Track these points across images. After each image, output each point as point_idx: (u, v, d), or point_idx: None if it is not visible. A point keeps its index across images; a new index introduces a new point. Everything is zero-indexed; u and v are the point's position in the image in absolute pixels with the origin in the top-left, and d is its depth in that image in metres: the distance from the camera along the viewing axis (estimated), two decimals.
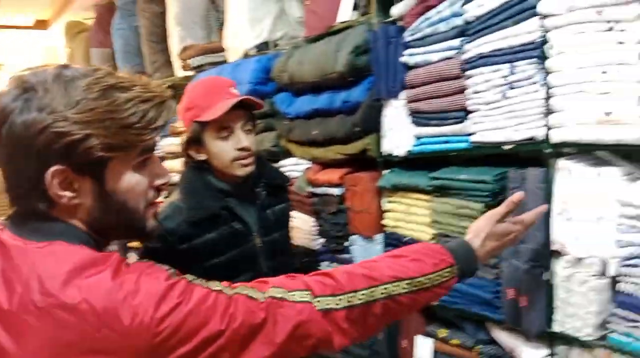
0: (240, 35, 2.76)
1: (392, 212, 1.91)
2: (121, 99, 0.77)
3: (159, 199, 0.90)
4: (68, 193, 0.77)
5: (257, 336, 0.80)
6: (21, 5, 5.37)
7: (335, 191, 2.08)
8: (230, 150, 1.38)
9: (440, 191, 1.65)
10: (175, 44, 3.51)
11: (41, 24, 6.26)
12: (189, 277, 0.82)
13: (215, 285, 0.82)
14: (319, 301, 0.87)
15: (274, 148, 2.44)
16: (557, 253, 1.37)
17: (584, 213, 1.29)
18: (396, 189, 1.85)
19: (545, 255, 1.40)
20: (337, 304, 0.88)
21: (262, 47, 2.61)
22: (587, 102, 1.24)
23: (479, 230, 1.13)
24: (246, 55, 2.71)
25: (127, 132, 0.77)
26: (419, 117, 1.72)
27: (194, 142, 1.40)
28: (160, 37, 3.82)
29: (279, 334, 0.82)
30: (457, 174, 1.57)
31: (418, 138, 1.75)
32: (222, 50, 3.05)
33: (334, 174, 2.08)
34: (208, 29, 3.57)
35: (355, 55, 1.85)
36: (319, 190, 2.17)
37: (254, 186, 1.47)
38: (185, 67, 3.33)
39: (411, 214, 1.81)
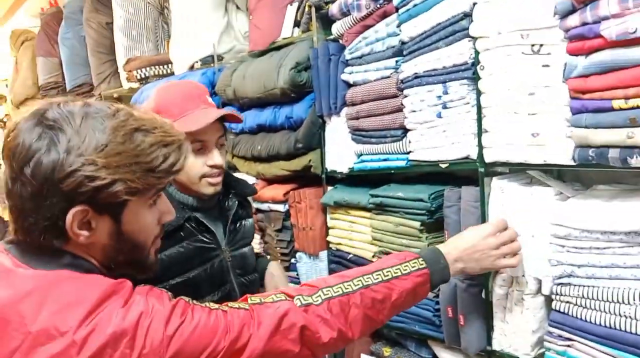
0: (186, 48, 2.71)
1: (335, 229, 1.90)
2: (145, 144, 0.79)
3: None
4: (85, 233, 0.78)
5: (249, 340, 0.85)
6: None
7: (280, 207, 2.06)
8: (200, 166, 1.24)
9: (380, 209, 1.64)
10: (121, 56, 3.42)
11: None
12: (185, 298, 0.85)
13: (211, 305, 0.87)
14: (297, 299, 0.93)
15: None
16: (494, 273, 1.38)
17: (518, 232, 1.31)
18: (339, 206, 1.84)
19: (481, 273, 1.40)
20: (314, 300, 0.94)
21: (208, 60, 2.57)
22: (517, 123, 1.26)
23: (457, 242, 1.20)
24: (192, 68, 2.66)
25: (150, 175, 0.79)
26: (359, 135, 1.71)
27: None
28: (107, 48, 3.72)
29: (266, 330, 0.86)
30: (395, 191, 1.57)
31: (359, 155, 1.75)
32: (168, 62, 2.99)
33: (278, 190, 2.05)
34: (156, 41, 3.50)
35: (297, 72, 1.84)
36: (263, 206, 2.14)
37: (222, 200, 1.36)
38: (130, 79, 3.24)
39: (354, 231, 1.80)
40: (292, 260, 2.08)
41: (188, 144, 0.89)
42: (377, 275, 1.02)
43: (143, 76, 3.09)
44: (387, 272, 1.03)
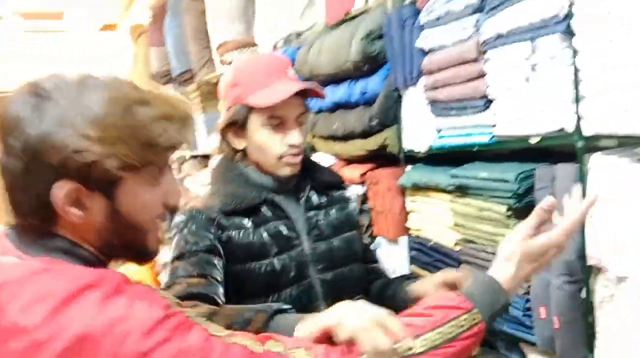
0: (270, 28, 2.66)
1: (415, 213, 1.73)
2: (146, 117, 0.70)
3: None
4: (76, 211, 0.70)
5: None
6: (90, 11, 5.63)
7: (358, 189, 1.93)
8: (278, 144, 1.13)
9: (461, 191, 1.45)
10: (214, 40, 3.48)
11: (109, 27, 6.53)
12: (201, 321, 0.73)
13: (215, 329, 0.72)
14: None
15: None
16: (596, 269, 1.15)
17: (625, 221, 1.06)
18: (418, 188, 1.67)
19: (580, 269, 1.17)
20: None
21: (291, 38, 2.49)
22: (625, 86, 1.00)
23: (510, 254, 0.90)
24: (275, 48, 2.60)
25: (148, 151, 0.71)
26: (438, 107, 1.52)
27: (235, 125, 1.16)
28: (205, 34, 3.82)
29: None
30: (478, 171, 1.37)
31: (438, 131, 1.56)
32: (254, 44, 2.97)
33: (355, 171, 1.93)
34: (247, 24, 3.50)
35: (369, 41, 1.68)
36: None
37: (298, 185, 1.22)
38: (222, 63, 3.28)
39: (435, 216, 1.62)
40: (372, 246, 1.95)
41: (194, 120, 0.78)
42: (421, 340, 0.79)
43: (232, 60, 3.11)
44: (429, 338, 0.80)
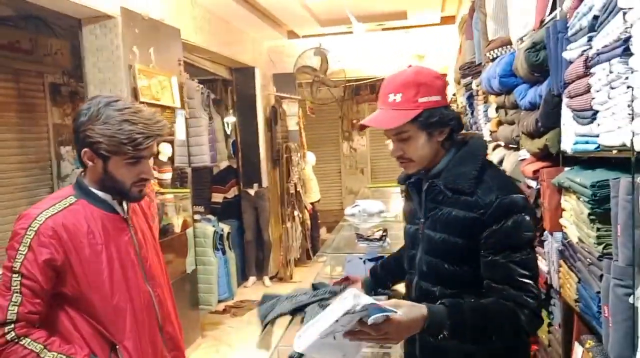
0: (513, 27, 2.86)
1: (565, 211, 1.84)
2: (126, 129, 1.42)
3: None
4: (90, 164, 1.48)
5: None
6: (430, 5, 6.40)
7: (533, 184, 2.11)
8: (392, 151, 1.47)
9: (574, 193, 1.57)
10: (486, 37, 3.77)
11: (448, 20, 7.19)
12: None
13: None
14: None
15: (517, 138, 2.54)
16: None
17: None
18: (564, 188, 1.79)
19: (630, 274, 1.25)
20: None
21: (523, 38, 2.66)
22: None
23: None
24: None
25: (122, 146, 1.43)
26: (573, 115, 1.64)
27: None
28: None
29: None
30: (575, 175, 1.50)
31: (576, 136, 1.67)
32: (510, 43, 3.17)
33: (531, 167, 2.10)
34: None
35: (532, 52, 1.86)
36: (527, 181, 2.22)
37: (424, 179, 1.46)
38: (485, 61, 3.57)
39: (569, 215, 1.74)
40: (542, 238, 2.10)
41: (158, 137, 1.49)
42: None
43: (493, 56, 3.37)
44: None
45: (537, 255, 1.88)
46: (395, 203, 5.60)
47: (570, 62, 1.65)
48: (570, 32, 1.63)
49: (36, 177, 4.34)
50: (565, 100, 1.72)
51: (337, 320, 1.06)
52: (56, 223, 1.41)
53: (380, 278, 1.85)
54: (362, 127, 1.47)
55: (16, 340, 1.35)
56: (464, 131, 1.50)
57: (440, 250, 1.42)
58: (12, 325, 1.35)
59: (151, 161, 1.53)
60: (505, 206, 1.31)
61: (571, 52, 1.62)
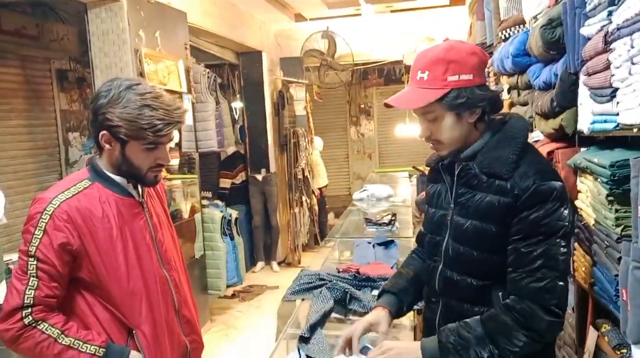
0: (526, 5, 2.79)
1: (581, 193, 1.80)
2: (146, 114, 1.37)
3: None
4: (108, 147, 1.44)
5: None
6: None
7: None
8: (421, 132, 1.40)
9: (591, 174, 1.53)
10: (498, 17, 3.70)
11: (457, 1, 7.06)
12: None
13: None
14: None
15: (530, 119, 2.48)
16: None
17: None
18: (580, 169, 1.75)
19: None
20: None
21: (538, 16, 2.60)
22: None
23: None
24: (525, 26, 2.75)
25: (141, 131, 1.39)
26: (590, 93, 1.59)
27: None
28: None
29: None
30: (592, 155, 1.45)
31: (593, 115, 1.62)
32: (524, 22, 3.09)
33: (546, 148, 2.06)
34: None
35: (548, 29, 1.80)
36: None
37: (457, 161, 1.38)
38: (497, 41, 3.51)
39: (585, 196, 1.70)
40: None
41: (178, 124, 1.44)
42: None
43: (506, 36, 3.30)
44: None
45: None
46: (403, 188, 5.57)
47: (588, 39, 1.60)
48: (588, 7, 1.58)
49: (44, 163, 4.34)
50: (582, 78, 1.66)
51: None
52: (70, 208, 1.39)
53: (400, 302, 1.57)
54: (387, 106, 1.38)
55: (33, 325, 1.35)
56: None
57: (471, 238, 1.34)
58: (30, 309, 1.35)
59: (168, 147, 1.49)
60: (542, 192, 1.23)
61: (589, 27, 1.56)
